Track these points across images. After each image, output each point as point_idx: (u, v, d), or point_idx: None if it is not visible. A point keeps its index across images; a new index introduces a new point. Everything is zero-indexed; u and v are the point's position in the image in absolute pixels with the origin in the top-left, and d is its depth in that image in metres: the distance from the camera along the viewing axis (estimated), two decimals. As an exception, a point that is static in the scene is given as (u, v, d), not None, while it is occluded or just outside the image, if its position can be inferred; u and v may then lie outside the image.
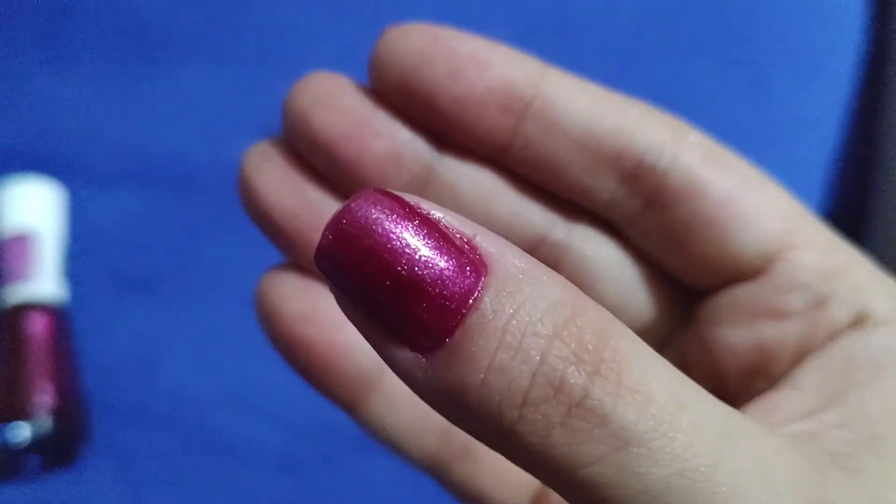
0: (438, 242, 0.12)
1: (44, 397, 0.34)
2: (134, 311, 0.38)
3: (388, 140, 0.17)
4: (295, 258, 0.19)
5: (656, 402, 0.12)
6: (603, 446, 0.12)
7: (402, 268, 0.12)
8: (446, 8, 0.41)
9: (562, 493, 0.13)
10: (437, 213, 0.12)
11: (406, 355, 0.12)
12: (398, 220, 0.12)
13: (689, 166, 0.17)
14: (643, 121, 0.17)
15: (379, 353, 0.12)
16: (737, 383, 0.18)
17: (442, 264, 0.12)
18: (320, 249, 0.12)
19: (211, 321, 0.38)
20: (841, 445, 0.14)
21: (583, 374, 0.12)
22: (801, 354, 0.17)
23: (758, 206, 0.17)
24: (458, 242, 0.12)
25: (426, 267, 0.12)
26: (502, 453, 0.12)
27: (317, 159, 0.18)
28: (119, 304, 0.38)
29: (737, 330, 0.18)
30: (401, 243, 0.12)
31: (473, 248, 0.12)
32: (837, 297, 0.17)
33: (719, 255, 0.18)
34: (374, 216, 0.12)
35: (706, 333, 0.18)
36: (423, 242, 0.12)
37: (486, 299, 0.12)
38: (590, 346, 0.12)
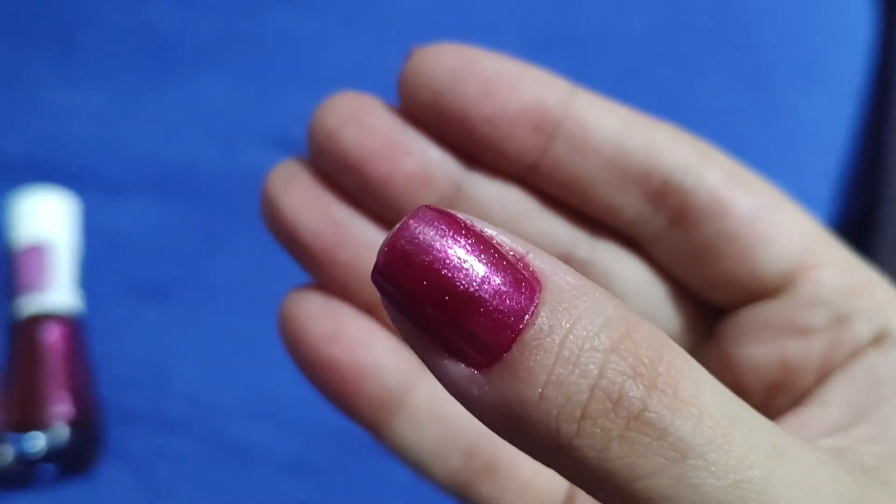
0: (494, 259, 0.12)
1: (60, 407, 0.35)
2: (148, 320, 0.38)
3: (418, 159, 0.18)
4: (321, 277, 0.19)
5: (710, 416, 0.12)
6: (661, 458, 0.12)
7: (461, 284, 0.12)
8: (457, 18, 0.41)
9: None
10: (490, 231, 0.12)
11: (462, 371, 0.12)
12: (455, 238, 0.12)
13: (714, 186, 0.18)
14: (669, 141, 0.18)
15: (432, 370, 0.12)
16: (759, 400, 0.18)
17: (498, 281, 0.12)
18: (378, 266, 0.12)
19: (225, 328, 0.38)
20: (871, 460, 0.14)
21: (641, 387, 0.12)
22: (824, 371, 0.17)
23: (780, 225, 0.18)
24: (511, 259, 0.12)
25: (483, 283, 0.12)
26: (556, 469, 0.13)
27: (345, 178, 0.18)
28: (133, 312, 0.38)
29: (760, 346, 0.18)
30: (459, 260, 0.12)
31: (526, 266, 0.12)
32: (859, 314, 0.17)
33: (742, 272, 0.18)
34: (431, 233, 0.12)
35: (729, 350, 0.19)
36: (480, 259, 0.12)
37: (543, 315, 0.12)
38: (646, 360, 0.12)
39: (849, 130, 0.41)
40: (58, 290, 0.36)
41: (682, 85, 0.40)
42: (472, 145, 0.18)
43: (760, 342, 0.18)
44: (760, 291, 0.18)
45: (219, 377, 0.37)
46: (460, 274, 0.12)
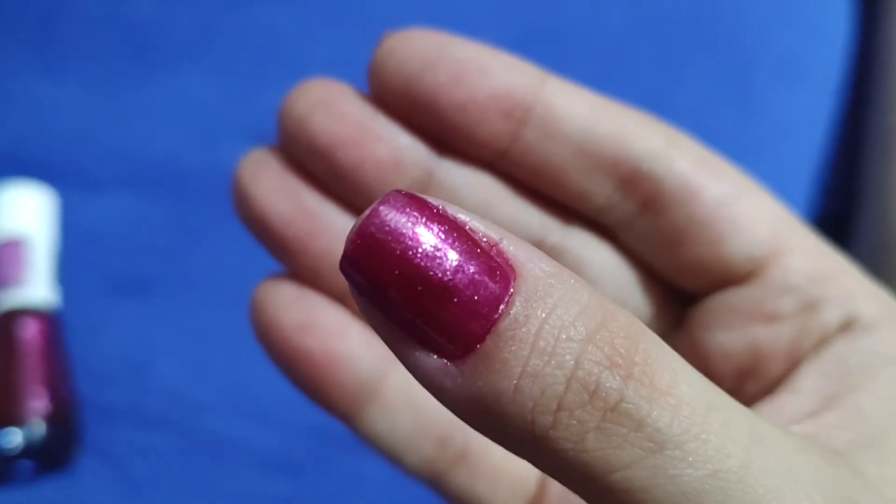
0: (467, 247, 0.12)
1: (37, 403, 0.34)
2: (127, 315, 0.38)
3: (389, 145, 0.18)
4: (292, 266, 0.19)
5: (687, 405, 0.12)
6: (638, 450, 0.12)
7: (434, 273, 0.11)
8: (438, 13, 0.41)
9: (590, 500, 0.12)
10: (463, 217, 0.12)
11: (434, 363, 0.12)
12: (428, 225, 0.12)
13: (684, 172, 0.18)
14: (640, 128, 0.18)
15: (403, 361, 0.12)
16: (729, 386, 0.18)
17: (472, 269, 0.12)
18: (347, 254, 0.12)
19: (204, 324, 0.38)
20: (842, 446, 0.14)
21: (617, 378, 0.12)
22: (793, 357, 0.18)
23: (749, 211, 0.18)
24: (485, 247, 0.12)
25: (457, 272, 0.11)
26: (531, 461, 0.12)
27: (316, 165, 0.18)
28: (112, 308, 0.38)
29: (729, 333, 0.18)
30: (432, 248, 0.12)
31: (500, 253, 0.12)
32: (827, 300, 0.17)
33: (712, 258, 0.18)
34: (402, 220, 0.12)
35: (699, 337, 0.19)
36: (453, 247, 0.12)
37: (518, 304, 0.12)
38: (622, 350, 0.12)
39: (827, 127, 0.41)
40: (35, 285, 0.36)
41: (662, 82, 0.40)
42: (442, 131, 0.18)
43: (730, 329, 0.18)
44: (730, 277, 0.18)
45: (198, 372, 0.37)
46: (433, 263, 0.11)
